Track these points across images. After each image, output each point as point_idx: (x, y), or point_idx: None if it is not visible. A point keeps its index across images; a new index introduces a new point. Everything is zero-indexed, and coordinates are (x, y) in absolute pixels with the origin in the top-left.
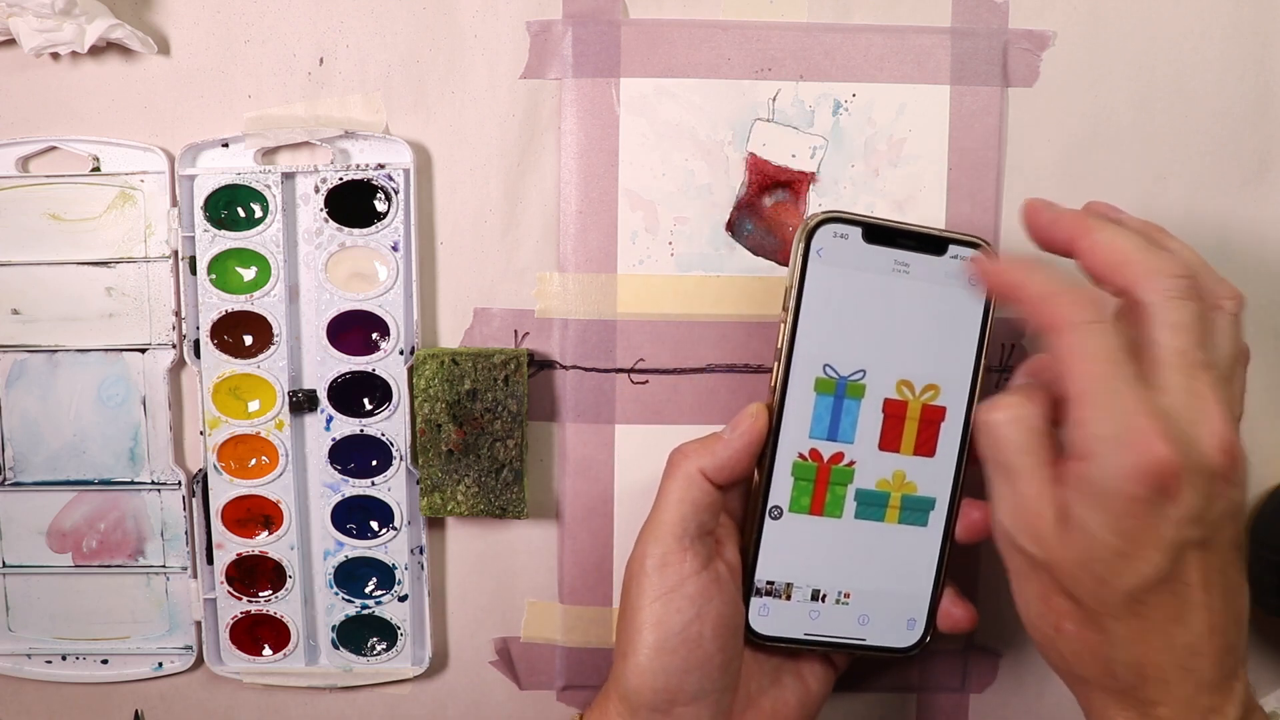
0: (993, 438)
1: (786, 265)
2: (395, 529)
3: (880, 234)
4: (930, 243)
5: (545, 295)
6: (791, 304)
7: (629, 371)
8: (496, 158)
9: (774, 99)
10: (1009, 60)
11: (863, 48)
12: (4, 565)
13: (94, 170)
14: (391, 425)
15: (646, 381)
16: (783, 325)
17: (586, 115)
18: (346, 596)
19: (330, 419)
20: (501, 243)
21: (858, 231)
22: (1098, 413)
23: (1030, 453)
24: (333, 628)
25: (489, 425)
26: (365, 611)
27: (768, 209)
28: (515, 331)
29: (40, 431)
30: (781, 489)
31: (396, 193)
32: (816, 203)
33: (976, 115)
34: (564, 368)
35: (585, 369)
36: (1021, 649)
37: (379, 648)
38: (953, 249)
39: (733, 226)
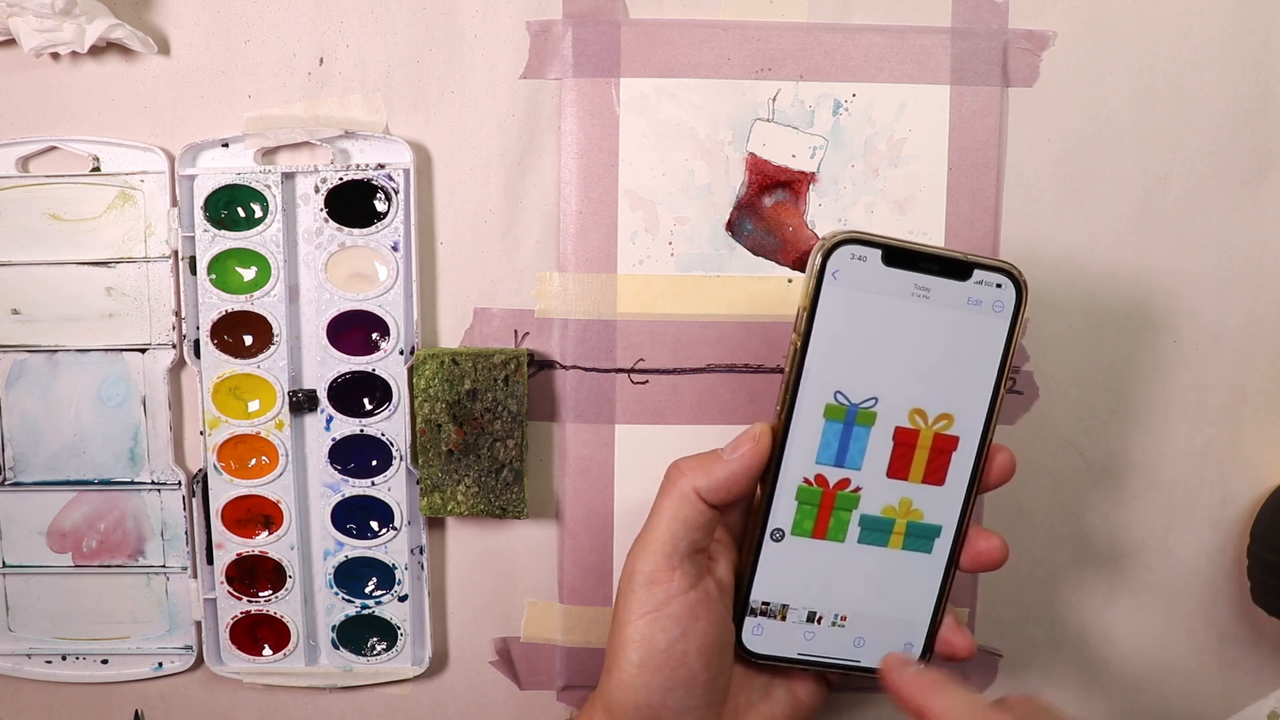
0: None
1: (785, 265)
2: (395, 529)
3: (901, 256)
4: (954, 267)
5: (545, 295)
6: (803, 327)
7: (629, 371)
8: (496, 158)
9: (774, 99)
10: (1009, 60)
11: (863, 48)
12: (4, 565)
13: (94, 170)
14: (391, 425)
15: (646, 381)
16: (793, 348)
17: (586, 115)
18: (346, 596)
19: (330, 419)
20: (501, 243)
21: (877, 253)
22: None
23: None
24: (333, 628)
25: (489, 425)
26: (365, 611)
27: (768, 209)
28: (515, 331)
29: (40, 431)
30: (784, 512)
31: (396, 193)
32: (816, 203)
33: (976, 115)
34: (564, 368)
35: (585, 369)
36: (1021, 649)
37: (379, 648)
38: (978, 274)
39: (733, 226)
